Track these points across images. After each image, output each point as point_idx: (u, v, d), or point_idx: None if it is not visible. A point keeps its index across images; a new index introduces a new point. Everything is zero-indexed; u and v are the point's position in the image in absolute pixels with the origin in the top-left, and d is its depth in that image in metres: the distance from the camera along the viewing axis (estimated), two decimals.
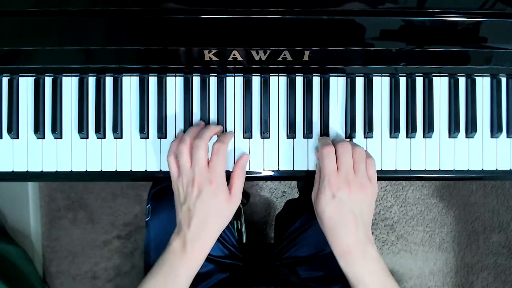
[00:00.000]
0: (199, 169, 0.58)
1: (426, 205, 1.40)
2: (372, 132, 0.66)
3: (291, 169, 0.66)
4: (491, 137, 0.67)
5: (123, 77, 0.65)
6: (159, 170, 0.65)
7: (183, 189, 0.59)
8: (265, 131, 0.65)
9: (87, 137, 0.65)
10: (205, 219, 0.58)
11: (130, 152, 0.65)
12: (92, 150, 0.65)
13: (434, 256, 1.40)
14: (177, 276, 0.58)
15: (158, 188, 0.77)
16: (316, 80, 0.66)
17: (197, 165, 0.58)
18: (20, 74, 0.65)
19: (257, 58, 0.63)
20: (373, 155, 0.65)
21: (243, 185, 0.62)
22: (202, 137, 0.60)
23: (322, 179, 0.59)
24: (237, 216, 1.16)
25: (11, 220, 1.28)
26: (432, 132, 0.66)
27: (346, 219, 0.57)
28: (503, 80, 0.67)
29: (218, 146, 0.60)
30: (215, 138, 0.64)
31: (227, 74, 0.65)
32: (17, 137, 0.65)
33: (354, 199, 0.58)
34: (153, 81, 0.66)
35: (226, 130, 0.65)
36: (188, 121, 0.65)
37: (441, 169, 0.66)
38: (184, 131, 0.65)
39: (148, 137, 0.66)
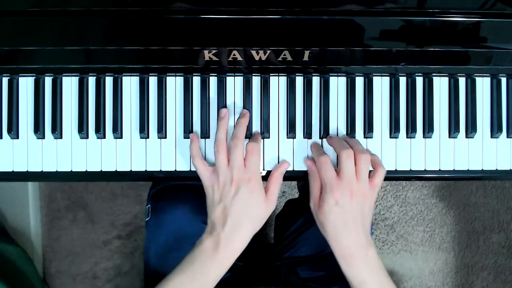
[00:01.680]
0: (238, 167, 0.59)
1: (426, 205, 1.40)
2: (372, 132, 0.66)
3: (291, 169, 0.66)
4: (491, 137, 0.67)
5: (123, 77, 0.65)
6: (159, 170, 0.65)
7: (218, 188, 0.59)
8: (265, 131, 0.65)
9: (87, 137, 0.65)
10: (241, 219, 0.59)
11: (130, 152, 0.65)
12: (92, 150, 0.65)
13: (434, 256, 1.40)
14: (206, 276, 0.58)
15: (158, 188, 0.77)
16: (316, 80, 0.66)
17: (235, 164, 0.59)
18: (20, 74, 0.65)
19: (257, 58, 0.63)
20: None
21: (279, 190, 0.63)
22: (239, 136, 0.61)
23: (324, 188, 0.59)
24: None
25: (11, 220, 1.27)
26: (432, 132, 0.66)
27: (349, 224, 0.58)
28: (503, 80, 0.67)
29: (253, 146, 0.61)
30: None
31: (227, 74, 0.65)
32: (17, 137, 0.65)
33: (356, 205, 0.58)
34: (153, 81, 0.66)
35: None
36: (188, 121, 0.65)
37: (441, 169, 0.66)
38: (185, 131, 0.65)
39: (148, 137, 0.66)
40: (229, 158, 0.60)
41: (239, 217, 0.59)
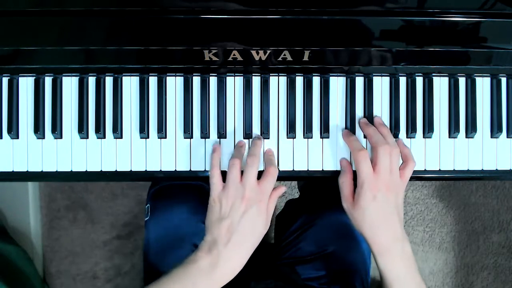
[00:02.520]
0: (250, 186, 0.58)
1: (426, 205, 1.40)
2: None
3: (291, 169, 0.66)
4: (491, 137, 0.67)
5: (123, 77, 0.65)
6: (159, 170, 0.65)
7: (227, 202, 0.58)
8: (265, 131, 0.65)
9: (87, 137, 0.65)
10: (245, 238, 0.58)
11: (130, 152, 0.65)
12: (92, 150, 0.65)
13: (434, 256, 1.40)
14: None
15: (157, 188, 0.77)
16: (316, 80, 0.66)
17: (249, 181, 0.58)
18: (20, 74, 0.65)
19: (257, 58, 0.63)
20: None
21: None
22: (256, 154, 0.61)
23: (361, 184, 0.59)
24: None
25: (11, 220, 1.27)
26: (432, 132, 0.66)
27: (386, 218, 0.59)
28: (503, 80, 0.67)
29: (274, 170, 0.61)
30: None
31: (227, 74, 0.65)
32: (17, 137, 0.65)
33: (391, 199, 0.59)
34: (153, 81, 0.66)
35: (226, 131, 0.65)
36: (188, 121, 0.65)
37: (441, 169, 0.66)
38: (185, 131, 0.65)
39: (148, 137, 0.66)
40: (243, 175, 0.59)
41: (244, 235, 0.57)
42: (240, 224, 0.57)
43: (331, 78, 0.66)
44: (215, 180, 0.60)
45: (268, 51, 0.63)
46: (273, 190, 0.62)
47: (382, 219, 0.59)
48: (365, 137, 0.66)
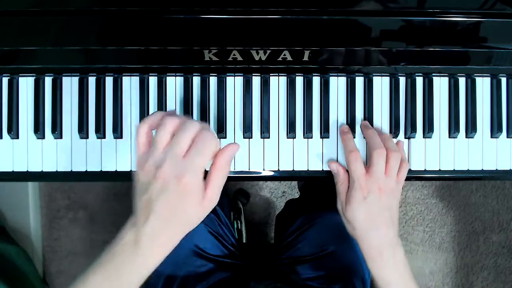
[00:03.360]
0: (172, 155, 0.47)
1: (426, 205, 1.40)
2: None
3: (291, 169, 0.66)
4: (491, 137, 0.67)
5: (123, 77, 0.65)
6: None
7: (147, 172, 0.48)
8: (265, 131, 0.65)
9: (87, 137, 0.65)
10: (167, 221, 0.47)
11: (130, 152, 0.65)
12: (92, 150, 0.65)
13: (434, 256, 1.40)
14: (123, 275, 0.47)
15: None
16: (316, 80, 0.66)
17: (173, 149, 0.47)
18: (20, 74, 0.65)
19: (257, 58, 0.63)
20: None
21: (223, 184, 0.50)
22: (193, 120, 0.49)
23: (352, 184, 0.59)
24: (237, 216, 1.16)
25: (11, 220, 1.28)
26: (432, 132, 0.66)
27: (378, 222, 0.58)
28: (503, 80, 0.67)
29: (206, 133, 0.48)
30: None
31: (227, 74, 0.65)
32: (17, 137, 0.65)
33: (384, 202, 0.58)
34: (153, 81, 0.66)
35: (226, 131, 0.65)
36: None
37: (441, 169, 0.66)
38: None
39: None
40: (171, 141, 0.48)
41: (165, 218, 0.47)
42: (158, 203, 0.46)
43: (331, 78, 0.66)
44: (140, 143, 0.50)
45: (268, 51, 0.63)
46: (219, 152, 0.49)
47: (373, 221, 0.58)
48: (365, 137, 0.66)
